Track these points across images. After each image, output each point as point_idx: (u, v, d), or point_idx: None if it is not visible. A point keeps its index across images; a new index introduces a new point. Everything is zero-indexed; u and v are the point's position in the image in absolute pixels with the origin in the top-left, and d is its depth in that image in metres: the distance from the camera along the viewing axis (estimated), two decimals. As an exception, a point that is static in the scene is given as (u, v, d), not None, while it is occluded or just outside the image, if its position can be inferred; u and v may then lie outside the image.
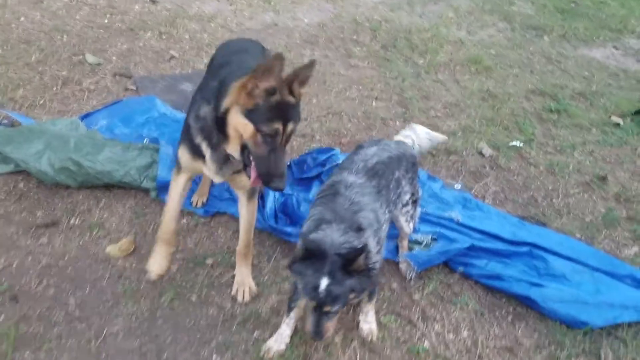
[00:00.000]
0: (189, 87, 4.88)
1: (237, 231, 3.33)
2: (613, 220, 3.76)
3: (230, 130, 2.40)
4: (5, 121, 3.98)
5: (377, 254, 2.50)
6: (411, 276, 3.21)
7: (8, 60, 4.77)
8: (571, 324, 2.95)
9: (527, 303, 3.10)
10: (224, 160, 2.59)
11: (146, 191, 3.60)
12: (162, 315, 2.85)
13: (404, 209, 3.05)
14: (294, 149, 4.22)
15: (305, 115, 4.66)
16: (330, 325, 2.36)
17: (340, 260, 2.21)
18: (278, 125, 2.29)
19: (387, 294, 3.10)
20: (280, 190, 2.41)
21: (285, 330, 2.73)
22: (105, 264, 3.12)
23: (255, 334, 2.80)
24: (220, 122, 2.43)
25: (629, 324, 2.97)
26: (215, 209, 3.54)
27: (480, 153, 4.43)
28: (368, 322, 2.88)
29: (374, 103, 5.04)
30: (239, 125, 2.34)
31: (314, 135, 4.45)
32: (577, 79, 5.71)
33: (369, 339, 2.85)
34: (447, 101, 5.16)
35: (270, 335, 2.76)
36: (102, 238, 3.29)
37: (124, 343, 2.70)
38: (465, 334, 2.96)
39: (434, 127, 4.72)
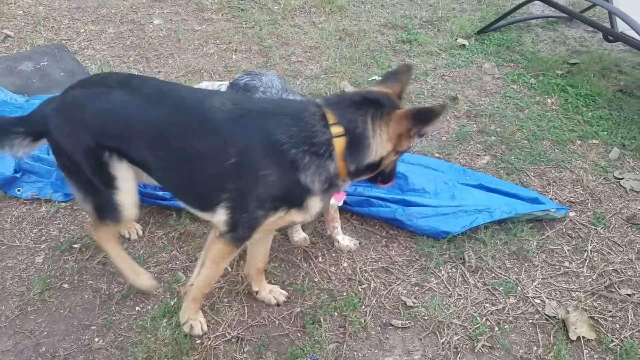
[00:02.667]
0: (29, 67, 4.51)
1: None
2: (465, 135, 4.08)
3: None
4: None
5: None
6: None
7: None
8: (435, 235, 3.21)
9: (396, 225, 3.31)
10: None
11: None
12: (34, 310, 2.72)
13: None
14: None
15: (163, 78, 4.49)
16: None
17: None
18: None
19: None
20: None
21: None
22: (-39, 269, 2.90)
23: (137, 309, 2.76)
24: None
25: (485, 226, 3.27)
26: (75, 192, 3.37)
27: (343, 92, 4.54)
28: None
29: (233, 56, 4.96)
30: (390, 162, 2.39)
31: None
32: (424, 7, 5.95)
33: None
34: (306, 45, 5.19)
35: (153, 307, 2.75)
36: (-47, 244, 3.03)
37: (-4, 346, 2.56)
38: (345, 264, 3.13)
39: (296, 73, 4.77)
